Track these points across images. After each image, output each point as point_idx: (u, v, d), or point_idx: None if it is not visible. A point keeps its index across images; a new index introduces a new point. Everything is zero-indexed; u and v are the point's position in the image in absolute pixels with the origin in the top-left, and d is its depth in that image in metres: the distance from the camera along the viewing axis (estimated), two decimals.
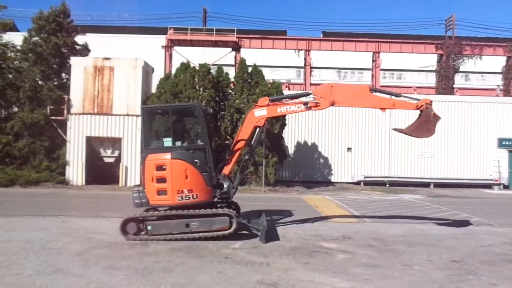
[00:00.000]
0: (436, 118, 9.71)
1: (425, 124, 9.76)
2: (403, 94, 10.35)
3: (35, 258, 7.42)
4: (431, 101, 9.74)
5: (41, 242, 8.61)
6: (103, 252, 7.94)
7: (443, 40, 35.29)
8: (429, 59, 38.40)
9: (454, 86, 35.50)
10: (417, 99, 9.90)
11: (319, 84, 38.58)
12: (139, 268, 6.88)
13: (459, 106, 25.44)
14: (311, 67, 36.09)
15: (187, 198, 8.83)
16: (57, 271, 6.69)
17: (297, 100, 9.86)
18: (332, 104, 9.52)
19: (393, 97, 9.81)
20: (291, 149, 24.29)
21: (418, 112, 9.74)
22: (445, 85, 34.67)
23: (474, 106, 25.45)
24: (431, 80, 39.34)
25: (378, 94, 9.86)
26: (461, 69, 36.28)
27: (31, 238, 8.92)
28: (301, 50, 35.11)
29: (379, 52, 33.89)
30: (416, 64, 41.61)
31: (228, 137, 20.18)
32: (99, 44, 26.71)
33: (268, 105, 9.60)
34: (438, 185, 24.03)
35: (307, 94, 10.31)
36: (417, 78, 43.78)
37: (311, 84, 35.69)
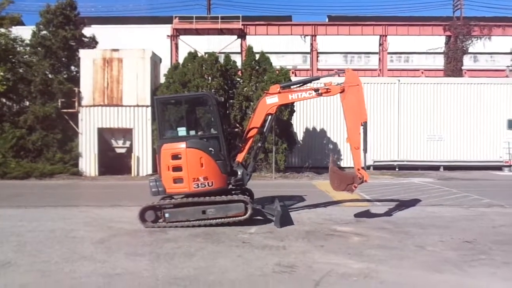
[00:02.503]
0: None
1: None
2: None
3: (59, 246, 7.72)
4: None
5: (64, 231, 8.91)
6: (124, 240, 8.23)
7: (451, 21, 34.91)
8: (437, 41, 38.05)
9: (462, 67, 35.23)
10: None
11: (326, 70, 38.72)
12: (161, 254, 7.14)
13: (467, 88, 25.29)
14: (318, 52, 35.97)
15: (203, 185, 9.05)
16: (82, 258, 6.97)
17: (308, 87, 9.95)
18: (342, 91, 9.57)
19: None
20: (300, 136, 24.40)
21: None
22: (453, 67, 34.45)
23: (483, 87, 25.28)
24: (439, 62, 39.03)
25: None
26: (470, 50, 35.93)
27: (53, 228, 9.24)
28: (307, 35, 34.97)
29: (386, 36, 33.67)
30: (423, 47, 41.20)
31: (238, 125, 20.35)
32: (105, 35, 26.79)
33: (279, 92, 9.69)
34: (447, 168, 24.07)
35: (317, 79, 10.51)
36: (425, 61, 43.38)
37: (317, 70, 35.64)
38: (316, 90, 9.56)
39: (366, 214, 10.73)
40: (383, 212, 10.99)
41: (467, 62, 39.18)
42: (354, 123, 9.35)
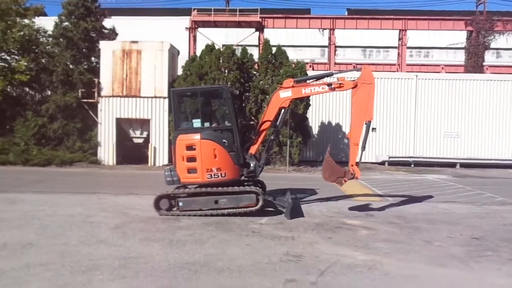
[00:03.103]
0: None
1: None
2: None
3: (78, 230, 8.09)
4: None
5: (82, 216, 9.30)
6: (139, 226, 8.55)
7: (473, 16, 34.15)
8: (458, 36, 37.36)
9: (484, 63, 34.54)
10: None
11: (344, 64, 38.51)
12: (173, 240, 7.43)
13: (487, 84, 24.84)
14: (336, 46, 35.75)
15: (216, 176, 9.30)
16: (99, 241, 7.32)
17: (321, 81, 10.10)
18: (355, 86, 9.66)
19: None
20: (315, 130, 24.45)
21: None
22: (474, 63, 33.79)
23: (504, 84, 24.78)
24: (460, 57, 38.40)
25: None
26: (492, 45, 35.18)
27: (72, 213, 9.64)
28: (325, 29, 34.72)
29: (405, 30, 33.20)
30: (444, 42, 40.56)
31: (253, 118, 20.54)
32: (124, 26, 27.19)
33: (293, 86, 9.87)
34: (464, 165, 23.78)
35: (330, 74, 10.62)
36: (446, 56, 42.76)
37: (335, 64, 35.45)
38: (330, 84, 9.70)
39: (377, 208, 10.82)
40: (394, 207, 11.07)
41: (490, 58, 38.42)
42: (359, 119, 9.50)
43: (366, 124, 9.42)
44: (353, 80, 9.80)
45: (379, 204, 11.49)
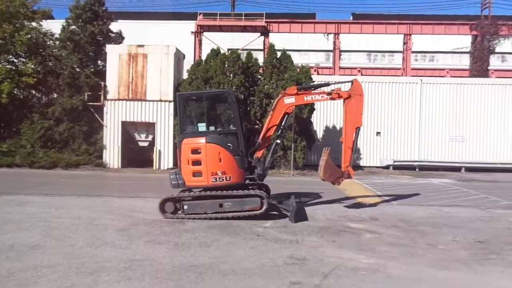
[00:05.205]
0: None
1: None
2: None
3: (84, 232, 8.18)
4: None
5: (88, 219, 9.40)
6: (144, 229, 8.63)
7: (478, 21, 34.10)
8: (463, 40, 37.34)
9: (489, 67, 34.45)
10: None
11: (349, 68, 38.58)
12: (179, 243, 7.50)
13: (492, 88, 24.78)
14: (340, 51, 35.78)
15: (221, 180, 9.37)
16: (105, 243, 7.39)
17: (320, 90, 11.04)
18: (348, 97, 10.46)
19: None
20: (319, 134, 24.47)
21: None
22: (479, 67, 33.68)
23: (509, 88, 24.68)
24: (465, 62, 38.29)
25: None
26: (497, 50, 35.10)
27: (78, 215, 9.74)
28: (330, 33, 34.83)
29: (410, 34, 33.20)
30: (449, 46, 40.56)
31: (258, 122, 20.61)
32: (130, 30, 27.41)
33: (296, 94, 10.39)
34: (469, 169, 23.70)
35: (327, 85, 11.77)
36: (450, 60, 42.68)
37: (340, 68, 35.50)
38: (329, 93, 10.56)
39: (381, 212, 10.84)
40: (398, 210, 11.08)
41: (495, 62, 38.30)
42: (351, 126, 10.44)
43: (356, 130, 10.41)
44: (347, 91, 10.62)
45: (383, 208, 11.52)
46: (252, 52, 23.31)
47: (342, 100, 10.69)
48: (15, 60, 23.53)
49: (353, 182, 17.15)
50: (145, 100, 21.95)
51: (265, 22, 32.85)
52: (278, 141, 10.72)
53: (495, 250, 7.42)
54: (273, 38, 31.81)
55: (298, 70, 21.62)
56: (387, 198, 13.40)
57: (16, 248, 7.03)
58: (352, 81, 10.87)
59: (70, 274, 5.81)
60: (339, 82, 11.35)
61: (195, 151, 9.41)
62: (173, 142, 21.02)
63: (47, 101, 23.80)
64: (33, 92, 24.26)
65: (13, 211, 10.08)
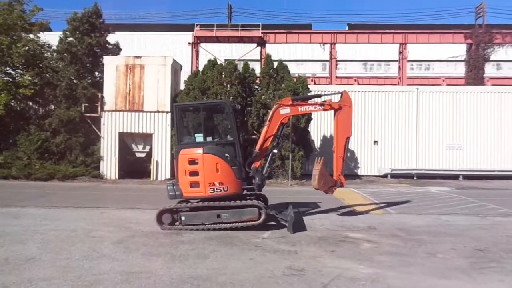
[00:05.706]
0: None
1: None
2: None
3: (80, 245, 8.10)
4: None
5: (84, 231, 9.31)
6: (141, 240, 8.55)
7: (472, 29, 34.46)
8: (458, 49, 37.65)
9: (485, 75, 34.69)
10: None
11: (345, 77, 38.79)
12: (176, 255, 7.43)
13: (488, 96, 24.94)
14: (337, 60, 36.02)
15: (218, 190, 9.33)
16: (101, 256, 7.32)
17: (313, 101, 11.33)
18: (339, 108, 10.71)
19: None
20: (317, 143, 24.49)
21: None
22: (475, 75, 33.96)
23: (505, 96, 24.88)
24: (460, 70, 38.58)
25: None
26: (492, 57, 35.38)
27: (74, 227, 9.65)
28: (326, 43, 35.07)
29: (406, 44, 33.50)
30: (444, 54, 40.84)
31: (255, 132, 20.61)
32: (128, 42, 27.60)
33: (291, 104, 10.56)
34: (467, 177, 23.72)
35: (319, 96, 11.95)
36: (446, 69, 42.96)
37: (336, 77, 35.70)
38: (322, 105, 10.80)
39: (379, 221, 10.80)
40: (397, 219, 11.04)
41: (490, 70, 38.58)
42: (342, 136, 10.75)
43: (346, 139, 10.75)
44: (338, 102, 10.88)
45: (381, 217, 11.48)
46: (249, 62, 23.43)
47: (333, 111, 10.82)
48: (12, 72, 23.57)
49: (351, 191, 17.16)
50: (143, 111, 21.95)
51: (262, 32, 33.09)
52: (275, 151, 10.74)
53: (494, 258, 7.38)
54: (270, 48, 32.03)
55: (295, 80, 21.72)
56: (385, 206, 13.36)
57: (11, 261, 6.95)
58: (341, 93, 11.07)
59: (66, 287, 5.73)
60: (329, 94, 11.47)
61: (192, 161, 9.38)
62: (171, 153, 20.98)
63: (44, 113, 23.80)
64: (30, 103, 24.28)
65: (9, 224, 9.99)
